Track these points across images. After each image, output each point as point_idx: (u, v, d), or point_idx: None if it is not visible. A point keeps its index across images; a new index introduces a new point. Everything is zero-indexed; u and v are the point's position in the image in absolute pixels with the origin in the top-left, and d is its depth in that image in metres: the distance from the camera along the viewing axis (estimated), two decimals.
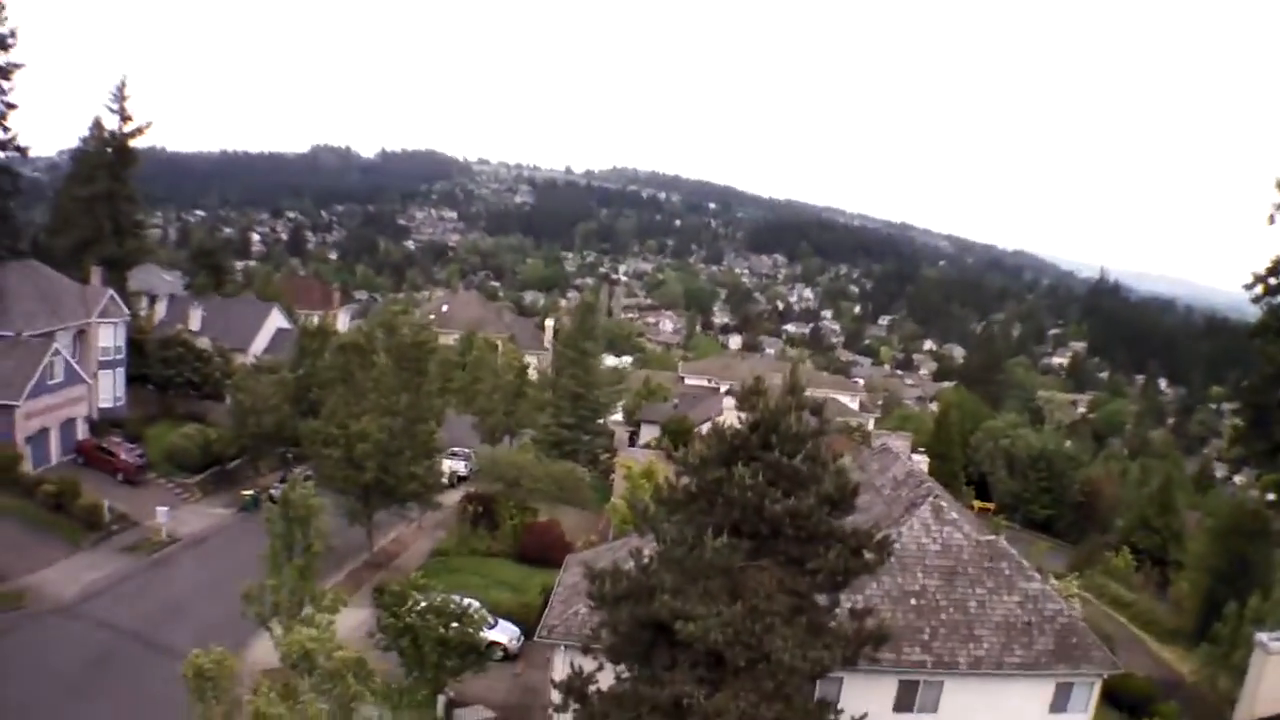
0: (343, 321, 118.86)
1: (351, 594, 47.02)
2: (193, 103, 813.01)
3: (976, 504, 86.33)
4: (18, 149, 73.63)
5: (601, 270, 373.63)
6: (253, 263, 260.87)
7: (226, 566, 47.34)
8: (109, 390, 70.40)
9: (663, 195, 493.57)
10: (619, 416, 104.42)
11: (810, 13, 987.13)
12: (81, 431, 65.62)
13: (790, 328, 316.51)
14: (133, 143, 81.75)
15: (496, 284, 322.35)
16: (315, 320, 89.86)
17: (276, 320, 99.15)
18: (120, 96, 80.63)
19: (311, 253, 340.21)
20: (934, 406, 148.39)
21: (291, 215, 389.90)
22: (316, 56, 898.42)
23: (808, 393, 22.84)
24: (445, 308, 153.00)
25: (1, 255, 71.21)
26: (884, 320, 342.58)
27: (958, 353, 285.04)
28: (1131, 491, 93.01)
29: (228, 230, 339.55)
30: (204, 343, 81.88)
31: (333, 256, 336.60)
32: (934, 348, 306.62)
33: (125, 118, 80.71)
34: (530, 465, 63.89)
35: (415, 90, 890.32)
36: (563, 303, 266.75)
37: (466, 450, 79.34)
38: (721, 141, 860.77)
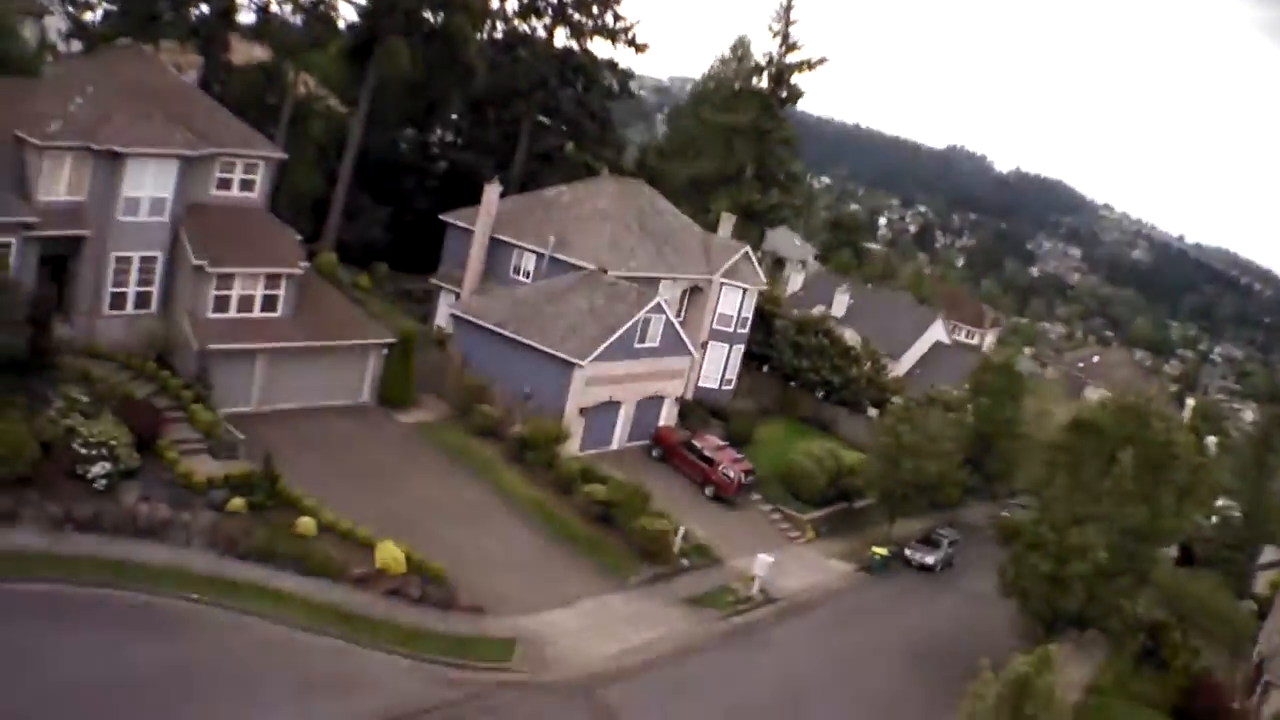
0: (988, 344, 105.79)
1: None
2: (833, 67, 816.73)
3: None
4: (632, 43, 61.27)
5: (1200, 347, 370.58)
6: (877, 246, 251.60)
7: (848, 657, 35.13)
8: (715, 369, 54.58)
9: (1256, 286, 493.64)
10: None
11: None
12: (667, 415, 48.84)
13: None
14: (797, 77, 68.04)
15: (1110, 334, 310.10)
16: (986, 344, 71.53)
17: (937, 332, 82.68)
18: (786, 18, 66.39)
19: (939, 252, 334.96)
20: None
21: (922, 209, 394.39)
22: (972, 54, 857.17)
23: None
24: (1096, 358, 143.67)
25: (588, 163, 58.46)
26: None
27: None
28: None
29: (854, 206, 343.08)
30: (850, 337, 66.90)
31: (959, 263, 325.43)
32: None
33: (789, 45, 66.80)
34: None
35: (1060, 115, 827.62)
36: (1165, 369, 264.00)
37: None
38: None
